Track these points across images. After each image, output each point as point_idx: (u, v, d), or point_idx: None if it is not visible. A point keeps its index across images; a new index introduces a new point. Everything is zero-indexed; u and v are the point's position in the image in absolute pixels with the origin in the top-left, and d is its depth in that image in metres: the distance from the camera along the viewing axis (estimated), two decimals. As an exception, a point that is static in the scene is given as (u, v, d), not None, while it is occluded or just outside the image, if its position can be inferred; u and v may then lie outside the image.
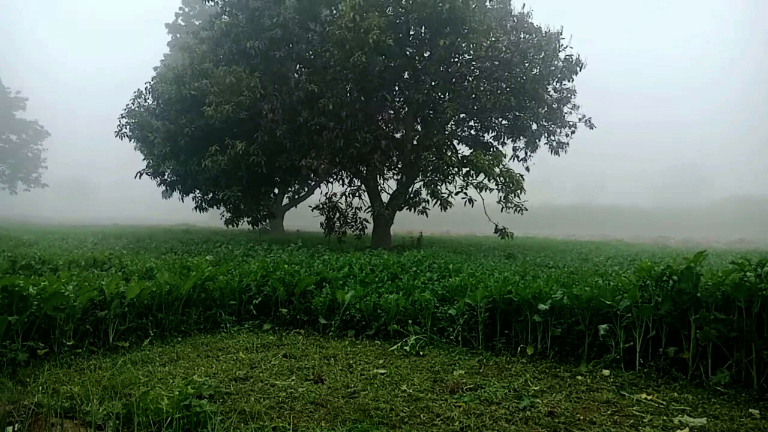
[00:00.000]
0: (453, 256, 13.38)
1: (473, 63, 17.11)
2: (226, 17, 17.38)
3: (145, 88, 20.24)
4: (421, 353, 5.89)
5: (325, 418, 4.06)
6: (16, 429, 3.70)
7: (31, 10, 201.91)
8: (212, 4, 18.17)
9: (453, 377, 5.08)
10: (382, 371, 5.22)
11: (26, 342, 5.42)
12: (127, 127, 20.91)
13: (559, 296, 5.84)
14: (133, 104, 20.97)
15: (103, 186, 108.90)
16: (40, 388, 4.55)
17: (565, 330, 5.73)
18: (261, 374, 5.05)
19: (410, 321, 6.47)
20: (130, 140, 21.21)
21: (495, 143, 19.44)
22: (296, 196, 31.00)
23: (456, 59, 17.12)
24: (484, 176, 16.04)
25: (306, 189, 29.61)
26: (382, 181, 19.00)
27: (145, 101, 20.56)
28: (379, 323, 6.63)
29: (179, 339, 6.44)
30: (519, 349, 5.89)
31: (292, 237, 22.54)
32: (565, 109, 18.94)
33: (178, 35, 36.12)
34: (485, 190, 16.49)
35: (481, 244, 20.71)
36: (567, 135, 19.44)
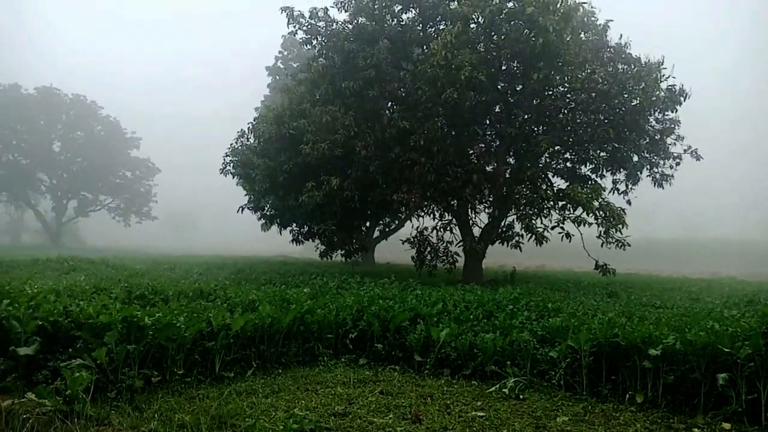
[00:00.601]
0: (550, 293, 12.96)
1: (568, 95, 16.81)
2: (322, 59, 18.19)
3: (247, 128, 21.49)
4: (521, 396, 5.72)
5: (425, 460, 4.03)
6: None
7: (144, 61, 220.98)
8: (309, 47, 19.08)
9: (556, 424, 4.88)
10: (481, 414, 5.12)
11: (142, 370, 5.78)
12: (231, 164, 22.23)
13: (671, 341, 5.49)
14: (236, 143, 22.31)
15: (207, 218, 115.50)
16: (155, 414, 4.84)
17: (678, 377, 5.37)
18: (359, 410, 5.10)
19: (508, 362, 6.32)
20: (233, 177, 22.51)
21: (593, 176, 18.81)
22: (387, 230, 31.37)
23: (550, 92, 16.89)
24: (582, 210, 15.55)
25: (396, 222, 29.92)
26: (473, 215, 18.87)
27: (247, 140, 21.80)
28: (476, 363, 6.52)
29: (280, 371, 6.65)
30: (627, 396, 5.57)
31: (383, 269, 22.75)
32: (669, 140, 18.08)
33: (277, 77, 38.15)
34: (583, 225, 15.95)
35: (580, 280, 19.91)
36: (671, 167, 18.51)
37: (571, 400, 5.62)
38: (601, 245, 16.01)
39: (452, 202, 18.26)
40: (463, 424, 4.84)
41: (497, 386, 5.97)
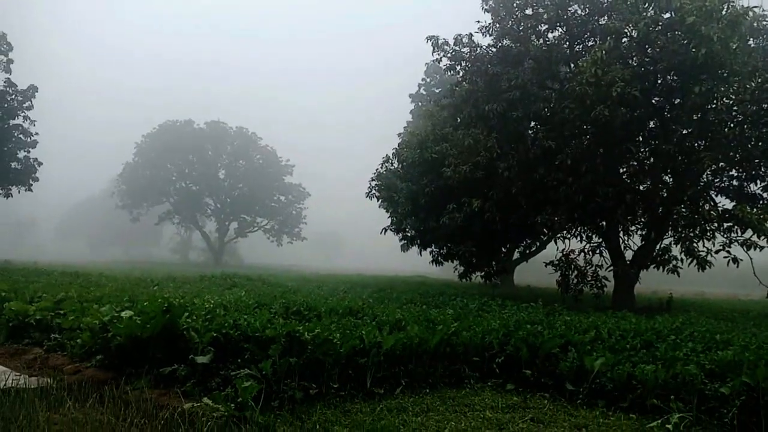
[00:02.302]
0: (715, 323, 11.77)
1: (735, 108, 15.32)
2: (466, 84, 18.37)
3: (392, 153, 22.28)
4: (686, 434, 5.29)
5: (583, 493, 3.87)
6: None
7: (305, 94, 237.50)
8: (453, 73, 19.38)
9: (731, 468, 4.45)
10: (642, 450, 4.81)
11: (301, 382, 6.17)
12: (376, 188, 23.16)
13: None
14: (381, 168, 23.22)
15: (350, 239, 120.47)
16: (316, 426, 5.15)
17: None
18: (510, 437, 5.04)
19: (672, 396, 5.86)
20: (378, 200, 23.42)
21: (765, 194, 16.91)
22: (527, 252, 30.50)
23: (713, 105, 15.54)
24: (752, 232, 14.03)
25: (537, 244, 29.02)
26: (625, 237, 17.77)
27: (391, 165, 22.59)
28: (635, 395, 6.12)
29: (427, 390, 6.74)
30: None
31: (524, 293, 22.12)
32: None
33: (420, 104, 39.18)
34: (754, 248, 14.37)
35: (748, 309, 17.83)
36: None
37: (747, 444, 5.08)
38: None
39: (601, 224, 17.37)
40: (623, 459, 4.58)
41: (659, 422, 5.57)
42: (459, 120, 18.68)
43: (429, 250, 22.35)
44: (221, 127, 69.81)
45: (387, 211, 23.84)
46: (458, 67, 18.78)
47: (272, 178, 69.29)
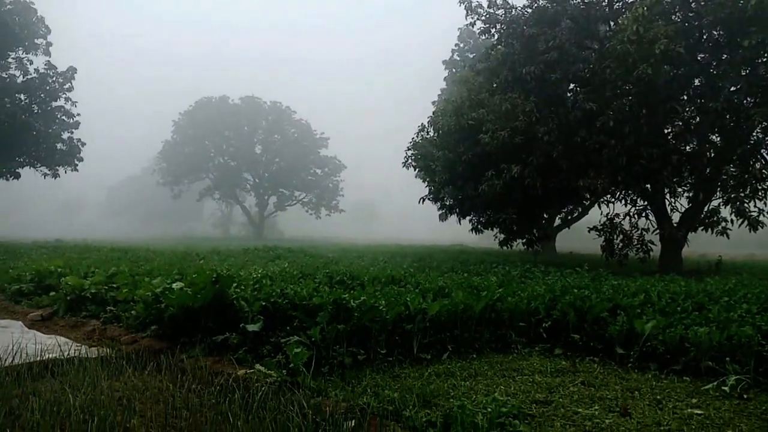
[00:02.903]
0: (769, 285, 11.42)
1: (788, 61, 14.60)
2: (501, 47, 17.94)
3: (427, 122, 22.05)
4: (744, 396, 5.17)
5: (639, 454, 3.84)
6: (353, 425, 4.28)
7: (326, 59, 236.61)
8: (488, 36, 18.92)
9: (793, 429, 4.34)
10: (699, 412, 4.73)
11: (349, 348, 6.27)
12: (412, 157, 23.00)
13: None
14: (417, 137, 23.01)
15: (387, 209, 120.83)
16: (366, 390, 5.22)
17: None
18: (561, 400, 5.01)
19: (727, 358, 5.73)
20: (414, 169, 23.28)
21: (822, 151, 16.18)
22: (569, 217, 30.04)
23: (764, 59, 14.81)
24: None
25: (579, 210, 28.53)
26: (672, 200, 17.29)
27: (427, 133, 22.38)
28: (688, 358, 6.01)
29: (474, 356, 6.76)
30: None
31: (566, 259, 21.86)
32: None
33: (454, 70, 38.51)
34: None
35: (804, 272, 17.25)
36: None
37: (809, 405, 4.94)
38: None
39: (646, 186, 16.92)
40: (679, 421, 4.51)
41: (715, 384, 5.46)
42: (495, 85, 18.31)
43: (468, 218, 22.20)
44: (256, 102, 70.30)
45: (424, 181, 23.70)
46: (493, 30, 18.32)
47: (308, 151, 69.73)
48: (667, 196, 17.23)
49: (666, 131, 16.79)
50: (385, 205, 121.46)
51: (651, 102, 15.67)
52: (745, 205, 15.05)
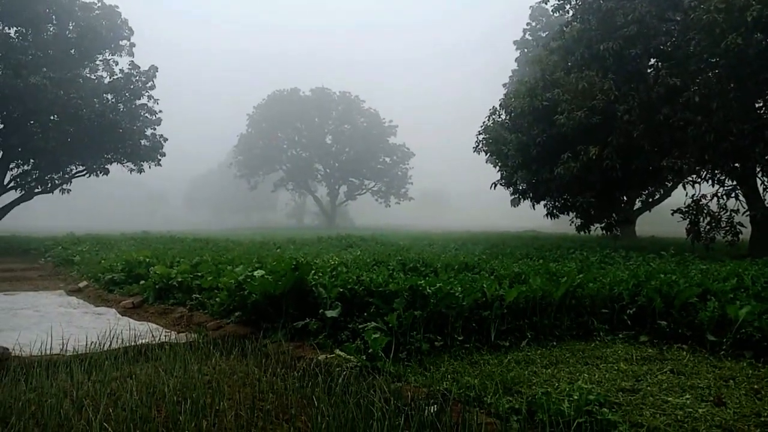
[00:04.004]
0: None
1: None
2: (576, 23, 17.28)
3: (499, 104, 21.60)
4: None
5: (738, 446, 3.64)
6: (434, 410, 4.28)
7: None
8: (561, 13, 18.29)
9: None
10: (801, 402, 4.42)
11: (426, 334, 6.27)
12: (483, 142, 22.62)
13: None
14: (488, 120, 22.60)
15: (456, 196, 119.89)
16: (445, 375, 5.22)
17: None
18: (649, 388, 4.81)
19: (834, 347, 5.32)
20: (486, 154, 22.89)
21: None
22: (650, 200, 28.69)
23: None
24: None
25: (662, 191, 27.18)
26: (765, 179, 16.17)
27: (499, 117, 21.93)
28: (788, 346, 5.63)
29: (554, 343, 6.60)
30: None
31: (647, 243, 20.94)
32: None
33: (525, 50, 37.47)
34: None
35: None
36: None
37: None
38: None
39: (735, 165, 15.89)
40: (780, 412, 4.23)
41: (821, 374, 5.08)
42: (570, 63, 17.66)
43: (543, 203, 21.64)
44: (326, 93, 71.31)
45: (495, 166, 23.26)
46: (567, 6, 17.71)
47: (377, 140, 70.12)
48: (759, 175, 16.13)
49: (757, 105, 15.68)
50: (455, 193, 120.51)
51: (741, 74, 14.65)
52: None
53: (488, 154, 23.08)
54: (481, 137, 22.79)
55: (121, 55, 32.96)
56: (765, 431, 3.88)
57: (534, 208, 22.46)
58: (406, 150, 71.28)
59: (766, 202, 16.27)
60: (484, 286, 7.00)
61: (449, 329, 6.39)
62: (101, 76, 32.57)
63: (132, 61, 32.75)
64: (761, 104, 15.90)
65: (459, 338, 6.36)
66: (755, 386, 4.88)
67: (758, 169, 16.01)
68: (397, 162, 71.47)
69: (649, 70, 17.03)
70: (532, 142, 18.36)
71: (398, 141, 71.95)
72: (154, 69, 33.06)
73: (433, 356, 5.93)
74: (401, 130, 72.88)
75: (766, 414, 4.19)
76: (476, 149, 23.02)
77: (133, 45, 32.99)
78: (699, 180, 18.07)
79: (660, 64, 16.64)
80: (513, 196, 23.42)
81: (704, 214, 16.52)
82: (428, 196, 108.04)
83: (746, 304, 6.34)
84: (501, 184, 22.72)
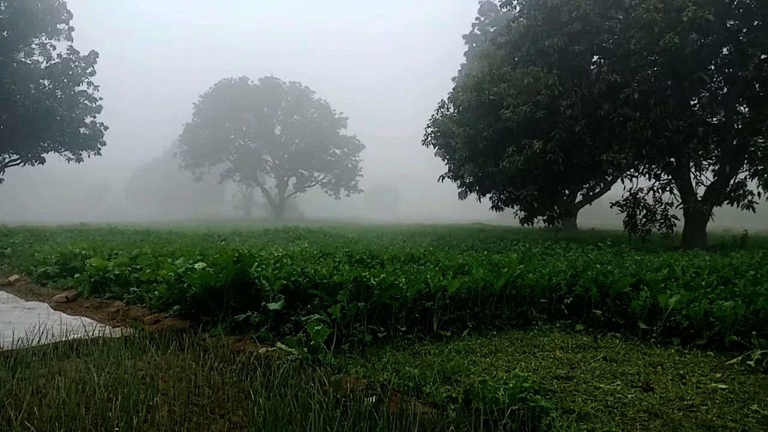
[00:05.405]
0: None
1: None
2: (523, 19, 17.59)
3: (447, 98, 21.76)
4: (771, 370, 5.07)
5: (662, 430, 3.79)
6: (373, 401, 4.28)
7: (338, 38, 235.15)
8: (509, 9, 18.56)
9: (822, 404, 4.24)
10: (723, 386, 4.65)
11: (369, 325, 6.27)
12: (432, 135, 22.77)
13: None
14: (437, 114, 22.76)
15: (407, 189, 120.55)
16: (386, 366, 5.24)
17: None
18: (583, 375, 4.97)
19: (753, 332, 5.62)
20: (434, 147, 23.06)
21: None
22: (591, 193, 29.66)
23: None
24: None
25: (602, 185, 28.13)
26: (698, 173, 16.94)
27: (447, 110, 22.11)
28: (712, 332, 5.91)
29: (494, 333, 6.73)
30: None
31: (587, 235, 21.64)
32: None
33: (474, 44, 37.91)
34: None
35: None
36: None
37: (839, 380, 4.83)
38: None
39: (670, 160, 16.58)
40: (702, 395, 4.44)
41: (740, 358, 5.36)
42: (517, 58, 17.98)
43: (488, 196, 21.99)
44: (275, 83, 70.22)
45: (443, 159, 23.47)
46: (515, 2, 17.99)
47: (327, 131, 69.61)
48: (692, 170, 16.89)
49: (692, 103, 16.39)
50: (405, 185, 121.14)
51: (677, 73, 15.29)
52: (774, 177, 14.68)
53: (437, 147, 23.26)
54: (429, 130, 22.93)
55: (59, 39, 31.51)
56: (688, 414, 4.06)
57: (480, 201, 22.81)
58: (357, 142, 71.07)
59: (698, 196, 17.04)
60: (428, 277, 7.06)
61: (393, 320, 6.42)
62: (37, 60, 31.08)
63: (71, 45, 31.39)
64: (696, 102, 16.62)
65: (402, 329, 6.39)
66: (681, 371, 5.11)
67: (692, 164, 16.74)
68: (348, 154, 71.17)
69: (591, 67, 17.52)
70: (478, 135, 18.60)
71: (349, 133, 71.70)
72: (94, 54, 31.78)
73: (376, 347, 5.94)
74: (352, 122, 72.70)
75: (689, 398, 4.39)
76: (425, 142, 23.15)
77: (72, 29, 31.60)
78: (637, 174, 18.79)
79: (602, 60, 17.16)
80: (460, 189, 23.72)
81: (641, 207, 17.19)
82: (379, 189, 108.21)
83: (676, 293, 6.62)
84: (449, 177, 22.96)
